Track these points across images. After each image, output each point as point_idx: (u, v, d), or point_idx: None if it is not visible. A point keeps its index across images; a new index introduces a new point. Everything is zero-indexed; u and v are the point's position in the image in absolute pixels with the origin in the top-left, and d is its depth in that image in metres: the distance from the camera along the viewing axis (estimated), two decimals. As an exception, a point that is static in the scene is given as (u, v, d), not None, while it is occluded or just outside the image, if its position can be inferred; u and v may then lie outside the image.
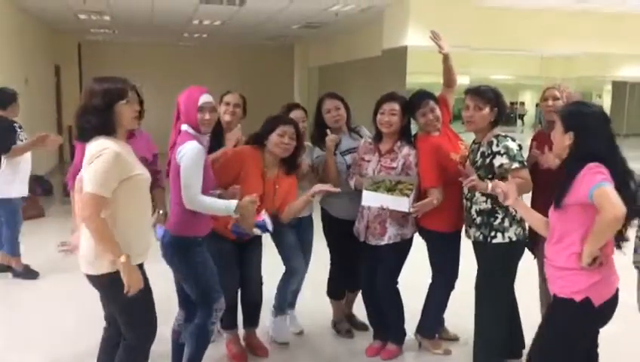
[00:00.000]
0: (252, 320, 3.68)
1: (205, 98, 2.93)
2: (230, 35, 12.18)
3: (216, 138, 3.53)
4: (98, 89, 2.46)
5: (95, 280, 2.54)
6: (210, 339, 3.12)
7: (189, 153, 2.82)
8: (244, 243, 3.38)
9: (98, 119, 2.44)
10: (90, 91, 2.48)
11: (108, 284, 2.51)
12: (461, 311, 3.77)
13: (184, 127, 2.94)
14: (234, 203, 2.86)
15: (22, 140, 4.89)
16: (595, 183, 2.25)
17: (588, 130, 2.38)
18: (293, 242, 3.73)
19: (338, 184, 3.46)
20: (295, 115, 3.68)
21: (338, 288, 3.97)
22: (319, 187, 3.27)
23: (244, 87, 4.46)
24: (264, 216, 3.11)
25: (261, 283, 3.65)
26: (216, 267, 3.15)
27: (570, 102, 2.90)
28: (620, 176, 2.34)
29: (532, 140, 3.47)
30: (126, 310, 2.58)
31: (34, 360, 3.67)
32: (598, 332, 2.58)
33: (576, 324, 2.45)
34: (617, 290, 2.43)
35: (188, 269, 2.96)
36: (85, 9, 9.19)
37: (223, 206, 2.87)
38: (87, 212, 2.39)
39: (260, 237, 3.42)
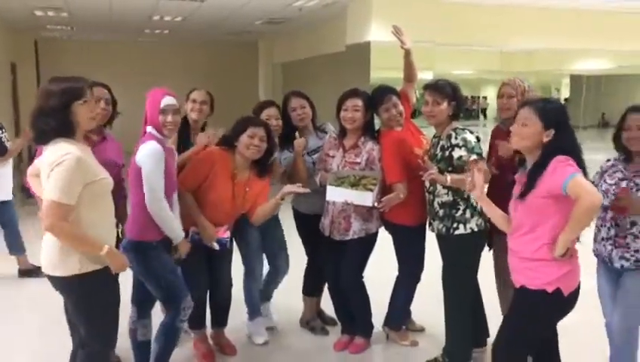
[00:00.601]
0: (220, 320, 3.67)
1: (167, 100, 2.93)
2: (192, 31, 12.04)
3: (183, 137, 3.50)
4: (55, 89, 2.39)
5: (60, 282, 2.48)
6: (178, 338, 3.13)
7: (148, 155, 2.83)
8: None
9: (56, 121, 2.37)
10: (46, 92, 2.41)
11: (73, 286, 2.46)
12: (427, 303, 3.83)
13: (148, 128, 2.95)
14: (182, 236, 2.99)
15: (3, 142, 4.76)
16: (569, 175, 2.30)
17: (564, 126, 2.45)
18: (256, 243, 3.73)
19: (307, 184, 3.46)
20: (269, 112, 3.64)
21: (315, 284, 3.97)
22: (289, 188, 3.28)
23: (207, 84, 4.41)
24: (228, 233, 3.25)
25: (231, 285, 3.63)
26: (186, 267, 3.15)
27: (537, 97, 2.93)
28: (581, 166, 2.42)
29: (492, 137, 3.50)
30: (88, 314, 2.52)
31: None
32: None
33: (547, 314, 2.51)
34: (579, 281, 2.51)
35: (148, 272, 2.95)
36: (41, 5, 8.94)
37: (176, 231, 2.95)
38: (51, 220, 2.34)
39: (231, 239, 3.42)
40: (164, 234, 2.94)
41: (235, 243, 3.66)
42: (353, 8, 8.59)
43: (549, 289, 2.43)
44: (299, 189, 3.25)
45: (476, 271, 3.35)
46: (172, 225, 2.94)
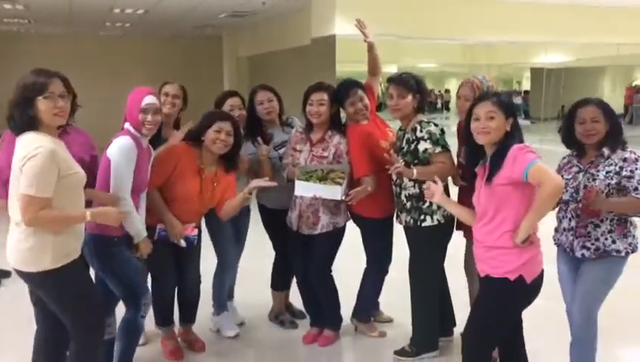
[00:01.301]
0: (188, 316, 3.64)
1: (149, 99, 2.94)
2: (155, 24, 11.84)
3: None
4: (20, 83, 2.42)
5: (33, 277, 2.46)
6: (140, 333, 3.15)
7: (117, 151, 2.83)
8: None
9: (19, 114, 2.39)
10: (16, 85, 2.44)
11: (46, 281, 2.45)
12: (395, 294, 3.87)
13: (127, 125, 2.95)
14: (144, 235, 2.95)
15: None
16: (529, 161, 2.36)
17: (515, 114, 2.56)
18: (230, 236, 3.72)
19: (273, 179, 3.45)
20: (232, 102, 3.64)
21: (283, 278, 3.97)
22: (256, 183, 3.27)
23: (172, 78, 4.34)
24: (196, 231, 3.25)
25: (199, 282, 3.61)
26: (154, 264, 3.14)
27: (496, 92, 2.99)
28: None
29: (458, 132, 3.53)
30: (68, 306, 2.52)
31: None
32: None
33: (512, 302, 2.56)
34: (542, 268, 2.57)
35: (109, 269, 2.92)
36: (-4, -3, 8.69)
37: (138, 229, 2.92)
38: (29, 215, 2.33)
39: (199, 236, 3.40)
40: (126, 230, 2.91)
41: (209, 236, 3.66)
42: (318, 1, 8.58)
43: (512, 277, 2.48)
44: (266, 183, 3.25)
45: (443, 261, 3.40)
46: (135, 222, 2.91)
